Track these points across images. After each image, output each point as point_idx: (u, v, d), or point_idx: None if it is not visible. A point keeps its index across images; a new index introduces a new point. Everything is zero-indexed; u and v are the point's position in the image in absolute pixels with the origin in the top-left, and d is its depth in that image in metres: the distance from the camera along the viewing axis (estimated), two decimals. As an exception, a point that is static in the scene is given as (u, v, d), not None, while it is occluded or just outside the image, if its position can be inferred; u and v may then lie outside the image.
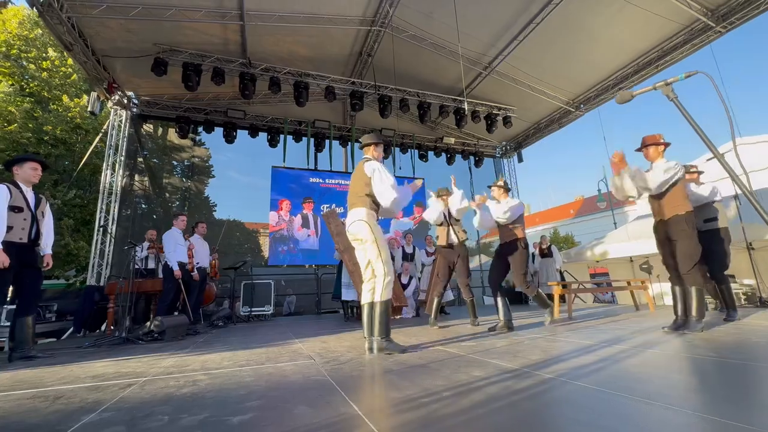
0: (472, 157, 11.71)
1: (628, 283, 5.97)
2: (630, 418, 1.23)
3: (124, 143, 8.32)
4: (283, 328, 5.19)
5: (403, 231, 9.50)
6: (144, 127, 9.04)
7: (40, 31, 11.53)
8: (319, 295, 9.08)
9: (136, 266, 5.52)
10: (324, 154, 10.05)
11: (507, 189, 4.16)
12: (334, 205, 9.37)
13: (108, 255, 7.60)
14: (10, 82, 10.95)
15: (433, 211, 4.48)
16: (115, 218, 7.89)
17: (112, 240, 7.64)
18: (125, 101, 8.33)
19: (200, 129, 9.25)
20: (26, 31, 11.57)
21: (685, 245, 3.02)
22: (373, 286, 2.71)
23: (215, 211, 11.33)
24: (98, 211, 7.75)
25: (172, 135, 9.31)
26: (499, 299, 3.86)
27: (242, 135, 9.25)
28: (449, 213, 4.43)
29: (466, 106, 8.55)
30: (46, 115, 11.24)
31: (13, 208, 3.20)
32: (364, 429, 1.21)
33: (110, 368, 2.60)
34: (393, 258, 6.76)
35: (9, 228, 3.14)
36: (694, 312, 3.00)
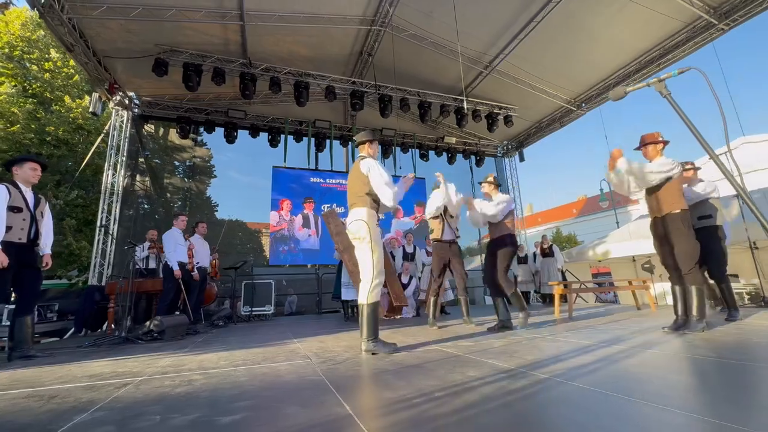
0: (473, 157, 11.67)
1: (630, 282, 5.93)
2: (626, 419, 1.21)
3: (126, 144, 8.36)
4: (283, 328, 5.19)
5: (404, 230, 9.48)
6: (145, 127, 9.07)
7: (43, 33, 11.60)
8: (320, 295, 9.08)
9: (137, 266, 5.55)
10: (325, 154, 10.06)
11: (497, 185, 4.15)
12: (334, 205, 9.37)
13: (109, 255, 7.64)
14: (13, 84, 11.03)
15: (435, 201, 4.40)
16: (117, 218, 7.92)
17: (113, 240, 7.67)
18: (126, 102, 8.36)
19: (201, 129, 9.28)
20: (29, 32, 11.65)
21: (683, 245, 2.99)
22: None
23: (217, 211, 11.36)
24: (100, 212, 7.78)
25: (173, 135, 9.34)
26: (498, 299, 3.84)
27: (243, 135, 9.27)
28: (445, 208, 4.41)
29: (465, 105, 8.51)
30: (48, 116, 11.31)
31: (12, 209, 3.21)
32: (353, 429, 1.20)
33: (107, 368, 2.60)
34: (393, 257, 6.76)
35: (8, 228, 3.15)
36: (694, 312, 2.97)
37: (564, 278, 8.55)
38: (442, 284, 4.61)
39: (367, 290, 2.65)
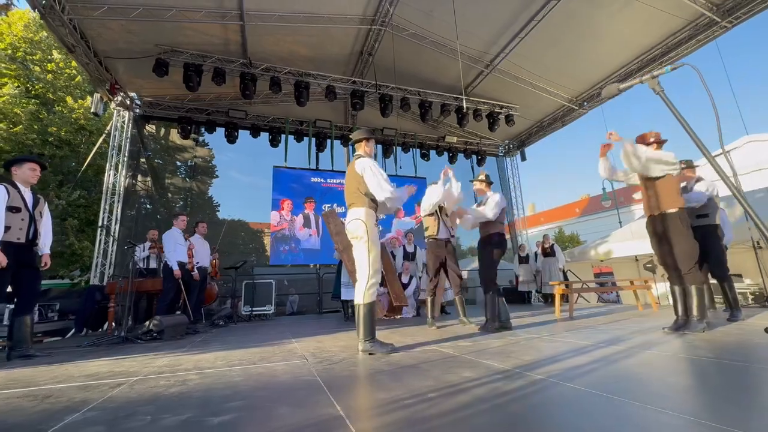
0: (474, 156, 11.62)
1: (631, 282, 5.88)
2: (623, 420, 1.19)
3: (127, 144, 8.38)
4: (283, 328, 5.19)
5: (405, 230, 9.46)
6: (146, 127, 9.09)
7: (45, 34, 11.67)
8: (321, 295, 9.08)
9: (138, 266, 5.57)
10: (325, 154, 10.05)
11: (489, 183, 4.11)
12: (335, 205, 9.37)
13: (111, 255, 7.67)
14: (15, 84, 11.09)
15: (430, 197, 4.35)
16: (119, 218, 7.94)
17: (114, 240, 7.69)
18: (128, 102, 8.38)
19: (202, 129, 9.29)
20: (31, 33, 11.72)
21: (683, 244, 2.95)
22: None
23: (218, 211, 11.39)
24: (101, 212, 7.81)
25: (175, 135, 9.36)
26: (497, 298, 3.81)
27: (244, 135, 9.28)
28: (440, 207, 4.39)
29: (464, 104, 8.48)
30: (50, 116, 11.38)
31: (11, 209, 3.22)
32: (344, 430, 1.19)
33: (104, 367, 2.60)
34: (394, 257, 6.75)
35: (7, 228, 3.16)
36: (695, 312, 2.94)
37: (565, 278, 8.51)
38: (439, 284, 4.58)
39: (363, 290, 2.64)
